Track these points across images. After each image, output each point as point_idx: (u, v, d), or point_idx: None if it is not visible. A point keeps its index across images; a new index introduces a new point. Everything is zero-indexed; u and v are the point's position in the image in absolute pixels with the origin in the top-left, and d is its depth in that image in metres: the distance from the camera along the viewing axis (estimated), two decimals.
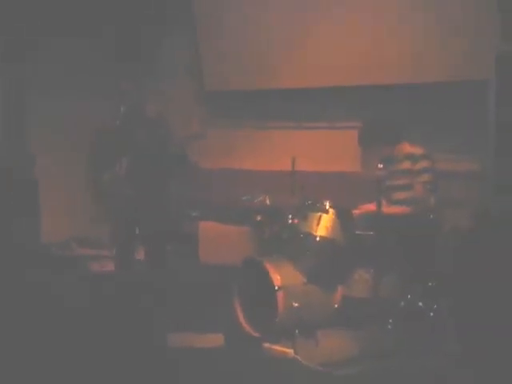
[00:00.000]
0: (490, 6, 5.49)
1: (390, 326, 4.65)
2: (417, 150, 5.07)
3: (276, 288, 4.75)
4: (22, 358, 4.53)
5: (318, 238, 4.88)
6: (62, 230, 7.15)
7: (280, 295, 4.74)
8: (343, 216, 4.94)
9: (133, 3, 7.32)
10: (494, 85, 5.35)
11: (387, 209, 4.91)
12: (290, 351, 4.54)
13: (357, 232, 4.99)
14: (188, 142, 5.80)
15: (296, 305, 4.73)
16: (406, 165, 5.05)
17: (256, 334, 4.88)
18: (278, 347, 4.64)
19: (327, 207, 4.92)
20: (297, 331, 4.64)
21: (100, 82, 7.10)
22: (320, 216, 4.91)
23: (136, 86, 5.72)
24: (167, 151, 5.56)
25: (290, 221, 5.14)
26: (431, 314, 4.69)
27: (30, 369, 4.39)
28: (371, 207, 4.97)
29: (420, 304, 4.73)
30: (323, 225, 4.90)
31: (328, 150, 6.49)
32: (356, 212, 5.14)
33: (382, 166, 4.79)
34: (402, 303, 4.76)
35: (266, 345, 4.69)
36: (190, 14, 7.21)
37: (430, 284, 4.77)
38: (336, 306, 4.95)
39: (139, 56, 7.51)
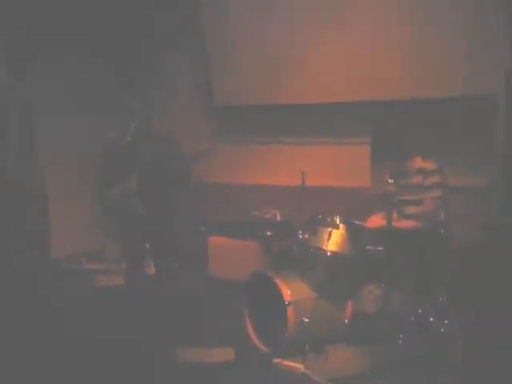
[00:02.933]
0: (499, 20, 5.51)
1: (400, 341, 4.63)
2: (429, 165, 5.07)
3: (286, 303, 4.75)
4: (30, 372, 4.55)
5: (328, 253, 4.89)
6: (72, 244, 7.16)
7: (290, 310, 4.73)
8: (353, 231, 4.95)
9: (141, 19, 7.37)
10: (503, 99, 5.36)
11: (398, 223, 4.91)
12: (300, 366, 4.54)
13: (367, 247, 4.99)
14: (197, 157, 5.80)
15: (306, 320, 4.72)
16: (418, 179, 5.06)
17: (266, 349, 4.87)
18: (288, 362, 4.64)
19: (337, 222, 4.93)
20: (307, 346, 4.63)
21: (110, 97, 7.14)
22: (330, 231, 4.92)
23: (146, 102, 5.75)
24: (174, 167, 5.58)
25: (300, 236, 5.12)
26: (442, 329, 4.68)
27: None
28: (381, 222, 4.97)
29: (431, 319, 4.72)
30: (333, 240, 4.90)
31: (338, 165, 6.50)
32: (366, 227, 5.14)
33: (391, 181, 4.80)
34: (413, 318, 4.74)
35: (276, 360, 4.69)
36: (199, 28, 7.25)
37: (440, 299, 4.76)
38: (346, 321, 4.94)
39: (148, 72, 7.56)
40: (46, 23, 6.82)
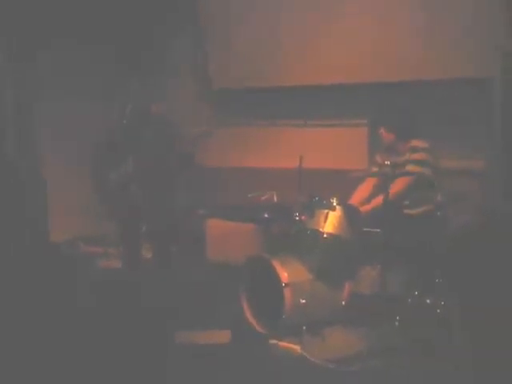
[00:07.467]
0: (496, 4, 5.49)
1: (397, 323, 4.64)
2: (421, 144, 5.08)
3: (283, 284, 4.75)
4: (30, 357, 4.55)
5: (325, 235, 4.87)
6: (70, 228, 7.16)
7: (287, 292, 4.74)
8: (350, 213, 4.94)
9: (141, 5, 7.33)
10: (500, 82, 5.36)
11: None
12: (297, 348, 4.54)
13: (364, 229, 4.99)
14: (195, 140, 5.80)
15: (303, 301, 4.73)
16: (407, 156, 5.08)
17: (263, 331, 4.88)
18: (285, 344, 4.64)
19: (334, 204, 4.91)
20: (304, 328, 4.64)
21: (107, 82, 7.11)
22: (327, 213, 4.90)
23: (142, 84, 5.73)
24: (173, 150, 5.57)
25: (297, 218, 5.11)
26: (438, 310, 4.69)
27: (38, 368, 4.41)
28: (378, 203, 4.97)
29: (427, 301, 4.74)
30: (330, 221, 4.89)
31: (335, 147, 6.49)
32: (363, 209, 5.14)
33: (388, 162, 4.79)
34: (409, 300, 4.76)
35: (273, 341, 4.69)
36: (196, 11, 7.22)
37: (437, 281, 4.77)
38: (343, 302, 4.94)
39: (145, 55, 7.53)
40: (46, 8, 6.79)
